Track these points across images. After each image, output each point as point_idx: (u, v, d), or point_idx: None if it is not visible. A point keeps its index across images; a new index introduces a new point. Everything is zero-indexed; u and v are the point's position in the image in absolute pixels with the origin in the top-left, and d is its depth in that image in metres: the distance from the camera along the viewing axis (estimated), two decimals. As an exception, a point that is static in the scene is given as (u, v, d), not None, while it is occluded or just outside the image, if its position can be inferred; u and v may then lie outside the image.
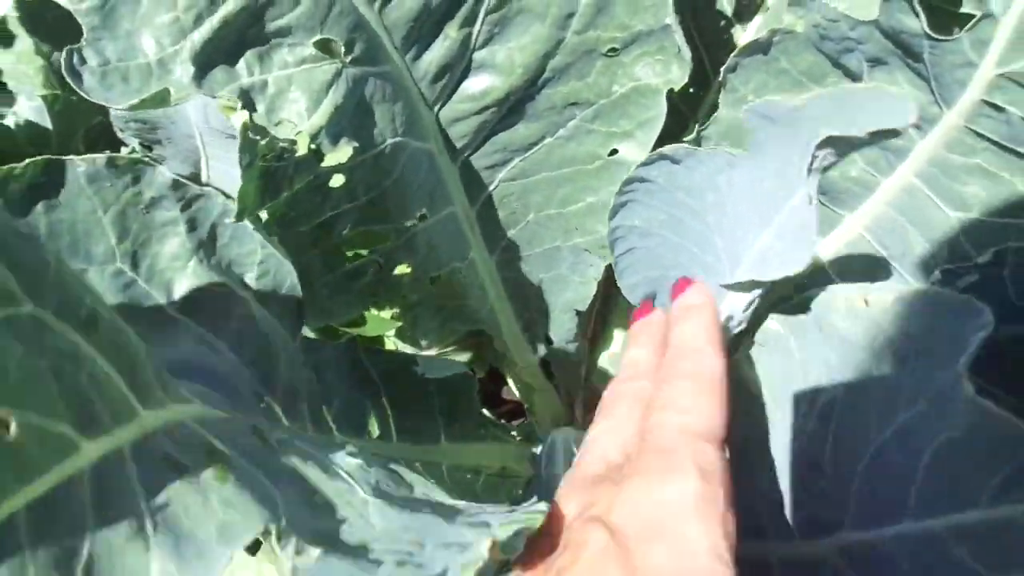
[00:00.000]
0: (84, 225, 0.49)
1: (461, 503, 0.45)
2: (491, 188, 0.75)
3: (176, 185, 0.51)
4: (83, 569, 0.27)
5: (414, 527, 0.38)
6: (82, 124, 0.95)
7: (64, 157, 0.46)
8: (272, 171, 0.55)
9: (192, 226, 0.53)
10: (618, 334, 0.96)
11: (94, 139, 0.95)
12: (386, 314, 0.87)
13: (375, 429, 0.71)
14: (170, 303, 0.53)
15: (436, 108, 0.67)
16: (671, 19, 0.63)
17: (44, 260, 0.33)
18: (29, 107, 0.96)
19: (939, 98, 0.58)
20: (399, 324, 0.83)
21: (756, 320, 0.52)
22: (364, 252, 0.70)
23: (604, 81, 0.69)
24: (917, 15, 0.54)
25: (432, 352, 0.99)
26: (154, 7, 0.49)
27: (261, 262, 0.58)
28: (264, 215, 0.58)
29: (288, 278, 0.58)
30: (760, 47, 0.64)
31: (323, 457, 0.42)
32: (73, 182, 0.47)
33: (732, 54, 0.64)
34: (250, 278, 0.56)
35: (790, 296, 0.63)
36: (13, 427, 0.27)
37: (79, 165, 0.47)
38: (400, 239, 0.69)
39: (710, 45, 0.84)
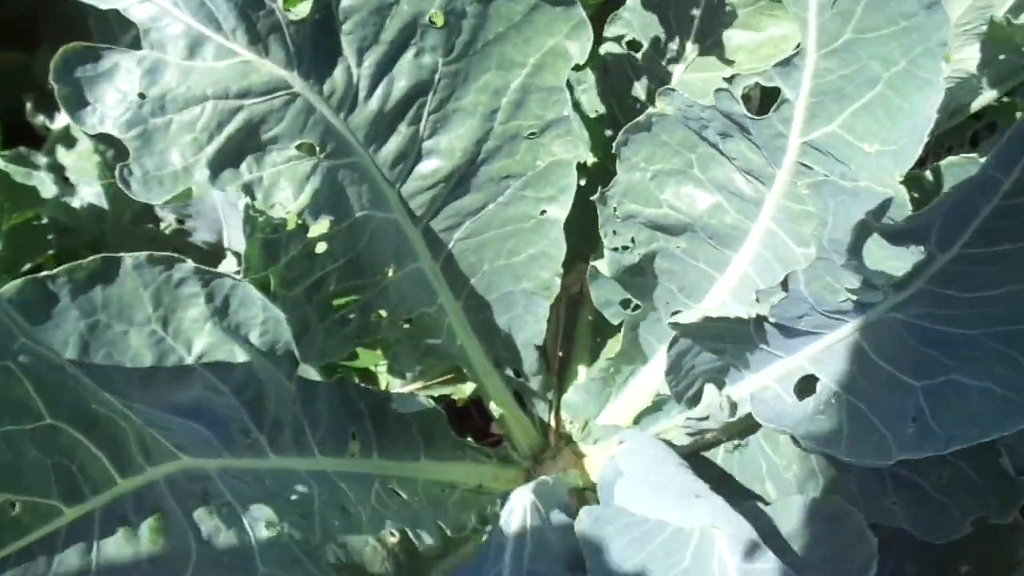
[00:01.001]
0: (129, 298, 0.68)
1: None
2: (450, 246, 0.94)
3: (198, 270, 0.70)
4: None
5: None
6: (130, 205, 1.16)
7: (117, 254, 0.66)
8: (270, 241, 0.74)
9: (210, 298, 0.71)
10: (582, 369, 1.13)
11: (139, 215, 1.16)
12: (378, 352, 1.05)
13: (356, 450, 0.88)
14: (191, 355, 0.71)
15: (397, 186, 0.86)
16: (568, 111, 0.82)
17: (63, 375, 0.54)
18: (90, 192, 1.17)
19: (771, 161, 0.76)
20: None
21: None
22: (354, 298, 0.89)
23: (529, 158, 0.88)
24: (737, 102, 0.72)
25: (418, 385, 1.17)
26: (178, 132, 0.70)
27: (263, 322, 0.75)
28: (273, 282, 0.77)
29: (284, 334, 0.76)
30: (642, 126, 0.83)
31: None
32: (123, 270, 0.67)
33: (623, 130, 0.83)
34: (254, 336, 0.74)
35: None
36: (18, 507, 0.48)
37: (127, 259, 0.66)
38: (375, 290, 0.88)
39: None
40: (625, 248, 0.89)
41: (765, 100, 0.75)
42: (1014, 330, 0.65)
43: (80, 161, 1.23)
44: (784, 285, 0.70)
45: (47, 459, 0.54)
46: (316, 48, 0.74)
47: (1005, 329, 0.66)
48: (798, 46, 0.67)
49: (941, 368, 0.65)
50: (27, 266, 0.91)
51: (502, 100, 0.84)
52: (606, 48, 1.02)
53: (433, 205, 0.89)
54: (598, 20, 1.04)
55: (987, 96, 1.19)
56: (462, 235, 0.93)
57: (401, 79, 0.79)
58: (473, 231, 0.93)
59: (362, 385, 0.92)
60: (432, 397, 1.10)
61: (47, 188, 0.81)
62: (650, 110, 0.81)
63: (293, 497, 0.73)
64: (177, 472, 0.63)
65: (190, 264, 0.68)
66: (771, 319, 0.73)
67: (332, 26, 0.74)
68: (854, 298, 0.68)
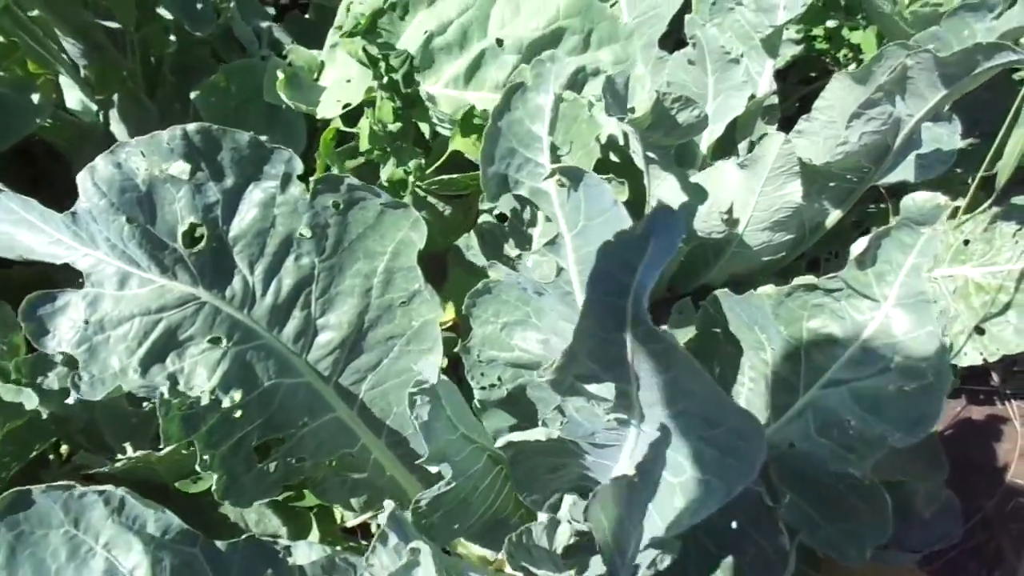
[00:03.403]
0: (45, 510, 0.85)
1: None
2: (361, 396, 1.15)
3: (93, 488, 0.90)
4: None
5: None
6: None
7: (27, 487, 0.84)
8: (189, 416, 0.97)
9: (107, 502, 0.89)
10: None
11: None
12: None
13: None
14: (98, 544, 0.88)
15: (303, 355, 1.09)
16: (419, 286, 1.05)
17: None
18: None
19: (573, 310, 0.95)
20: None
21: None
22: (276, 449, 1.10)
23: (405, 321, 1.09)
24: (533, 271, 0.93)
25: (370, 514, 1.35)
26: (115, 343, 0.94)
27: (155, 512, 0.91)
28: (198, 445, 0.98)
29: (173, 520, 0.89)
30: (484, 291, 1.04)
31: None
32: (36, 495, 0.84)
33: (468, 295, 1.04)
34: (151, 525, 0.88)
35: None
36: None
37: (35, 489, 0.83)
38: (294, 440, 1.09)
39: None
40: (493, 386, 1.09)
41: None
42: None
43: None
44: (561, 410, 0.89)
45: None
46: (215, 266, 0.99)
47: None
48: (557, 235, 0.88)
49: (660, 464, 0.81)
50: (33, 453, 1.15)
51: (373, 281, 1.07)
52: (483, 219, 1.25)
53: (337, 366, 1.11)
54: (475, 196, 1.28)
55: (834, 215, 1.37)
56: (368, 386, 1.15)
57: (287, 278, 1.03)
58: (376, 382, 1.14)
59: (268, 542, 1.08)
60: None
61: (31, 401, 1.05)
62: (486, 279, 1.03)
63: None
64: None
65: (84, 487, 0.88)
66: (568, 437, 0.91)
67: (225, 249, 0.99)
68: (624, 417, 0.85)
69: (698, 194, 1.16)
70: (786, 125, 1.89)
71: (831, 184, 1.28)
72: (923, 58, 1.05)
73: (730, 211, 1.28)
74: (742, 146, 1.72)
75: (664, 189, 1.16)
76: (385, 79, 1.05)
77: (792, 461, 0.89)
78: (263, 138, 0.96)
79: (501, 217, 1.23)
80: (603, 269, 0.59)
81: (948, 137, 1.40)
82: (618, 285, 0.60)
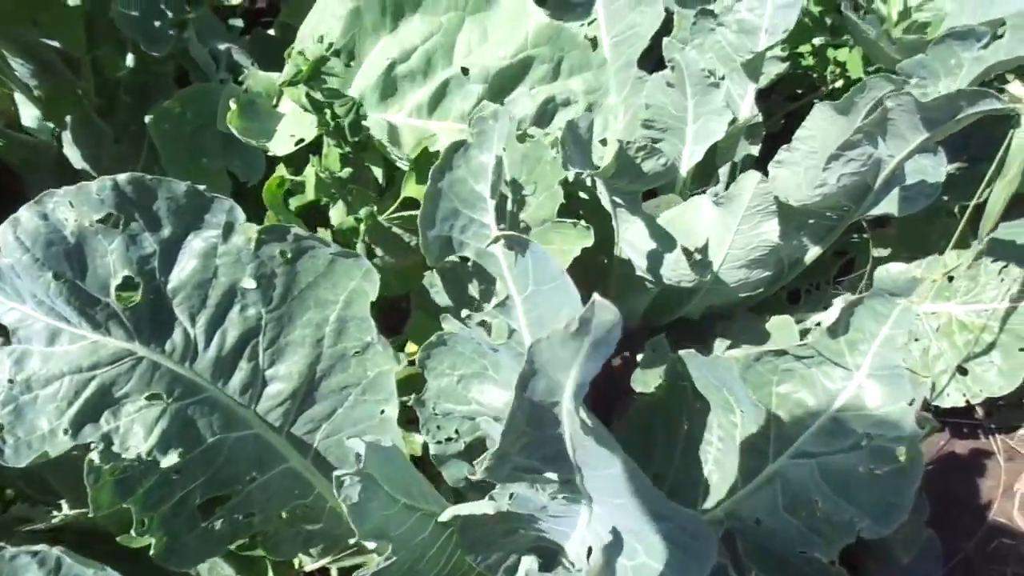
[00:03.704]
0: None
1: None
2: (315, 445, 1.10)
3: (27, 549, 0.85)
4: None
5: None
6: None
7: None
8: (123, 479, 0.91)
9: (42, 563, 0.85)
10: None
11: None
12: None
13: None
14: None
15: (252, 407, 1.04)
16: (373, 337, 0.99)
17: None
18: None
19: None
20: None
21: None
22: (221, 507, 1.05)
23: (360, 370, 1.04)
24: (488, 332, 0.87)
25: (328, 559, 1.30)
26: (43, 403, 0.89)
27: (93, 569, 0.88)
28: (134, 509, 0.93)
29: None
30: (438, 343, 0.99)
31: None
32: None
33: (422, 347, 0.99)
34: None
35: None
36: None
37: None
38: (241, 496, 1.04)
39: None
40: (450, 439, 1.04)
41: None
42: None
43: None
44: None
45: None
46: (153, 320, 0.93)
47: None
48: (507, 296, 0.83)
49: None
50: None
51: (325, 330, 1.01)
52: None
53: (289, 416, 1.06)
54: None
55: (814, 251, 1.32)
56: (323, 435, 1.09)
57: (232, 330, 0.98)
58: (331, 431, 1.09)
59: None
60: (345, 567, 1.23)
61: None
62: (440, 332, 0.97)
63: None
64: None
65: (16, 548, 0.84)
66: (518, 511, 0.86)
67: (163, 302, 0.93)
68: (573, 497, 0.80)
69: (666, 242, 1.11)
70: (771, 143, 1.83)
71: (810, 221, 1.22)
72: (904, 100, 0.99)
73: (705, 248, 1.22)
74: (723, 170, 1.67)
75: (632, 232, 1.11)
76: (332, 125, 0.99)
77: (760, 537, 0.85)
78: (202, 187, 0.90)
79: (464, 256, 1.18)
80: (536, 369, 0.54)
81: (933, 169, 1.35)
82: (552, 385, 0.55)
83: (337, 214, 1.02)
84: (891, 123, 1.04)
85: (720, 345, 1.35)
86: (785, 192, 1.16)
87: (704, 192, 1.72)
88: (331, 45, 1.06)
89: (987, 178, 1.04)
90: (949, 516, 1.50)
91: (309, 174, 1.01)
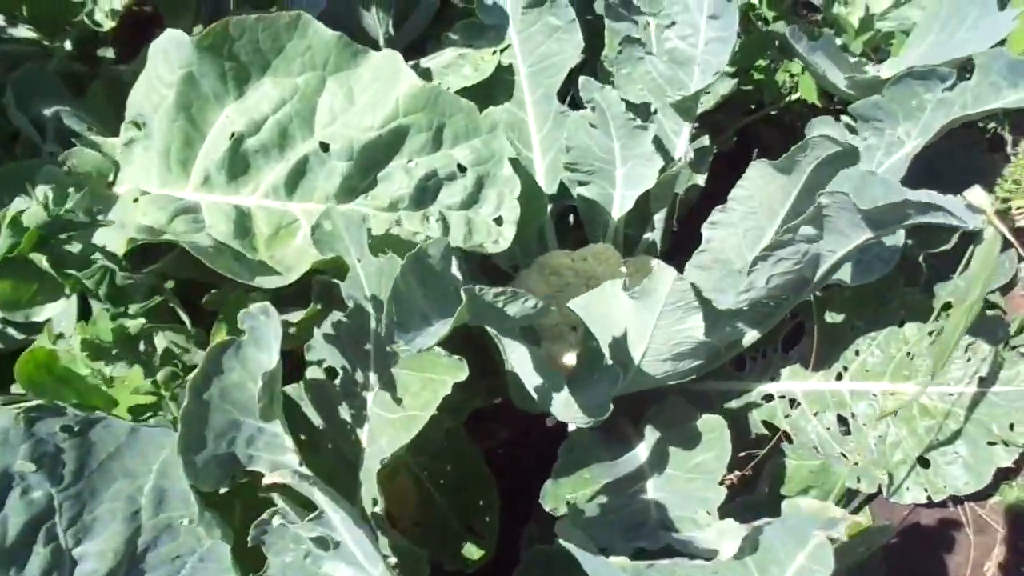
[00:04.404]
0: None
1: None
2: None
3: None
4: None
5: None
6: None
7: None
8: None
9: None
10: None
11: None
12: None
13: None
14: None
15: (65, 586, 0.86)
16: (197, 511, 0.81)
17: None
18: None
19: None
20: None
21: None
22: None
23: (192, 539, 0.86)
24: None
25: None
26: None
27: None
28: None
29: None
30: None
31: None
32: None
33: (253, 526, 0.81)
34: None
35: None
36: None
37: None
38: None
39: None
40: None
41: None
42: None
43: None
44: None
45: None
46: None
47: None
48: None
49: None
50: None
51: (141, 501, 0.83)
52: (311, 372, 1.00)
53: (114, 595, 0.89)
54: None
55: (752, 335, 1.14)
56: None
57: (16, 516, 0.80)
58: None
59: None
60: None
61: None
62: (272, 508, 0.80)
63: None
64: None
65: None
66: None
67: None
68: None
69: (555, 383, 0.92)
70: (726, 163, 1.63)
71: (745, 310, 1.04)
72: (840, 200, 0.80)
73: (623, 341, 1.04)
74: (658, 216, 1.48)
75: (517, 359, 0.92)
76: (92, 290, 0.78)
77: None
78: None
79: (331, 372, 0.99)
80: None
81: (891, 233, 1.16)
82: None
83: (123, 389, 0.82)
84: (828, 219, 0.85)
85: (650, 436, 1.18)
86: (709, 283, 0.98)
87: (640, 241, 1.54)
88: (111, 166, 0.84)
89: (941, 304, 0.85)
90: (913, 600, 1.36)
91: (75, 343, 0.79)
